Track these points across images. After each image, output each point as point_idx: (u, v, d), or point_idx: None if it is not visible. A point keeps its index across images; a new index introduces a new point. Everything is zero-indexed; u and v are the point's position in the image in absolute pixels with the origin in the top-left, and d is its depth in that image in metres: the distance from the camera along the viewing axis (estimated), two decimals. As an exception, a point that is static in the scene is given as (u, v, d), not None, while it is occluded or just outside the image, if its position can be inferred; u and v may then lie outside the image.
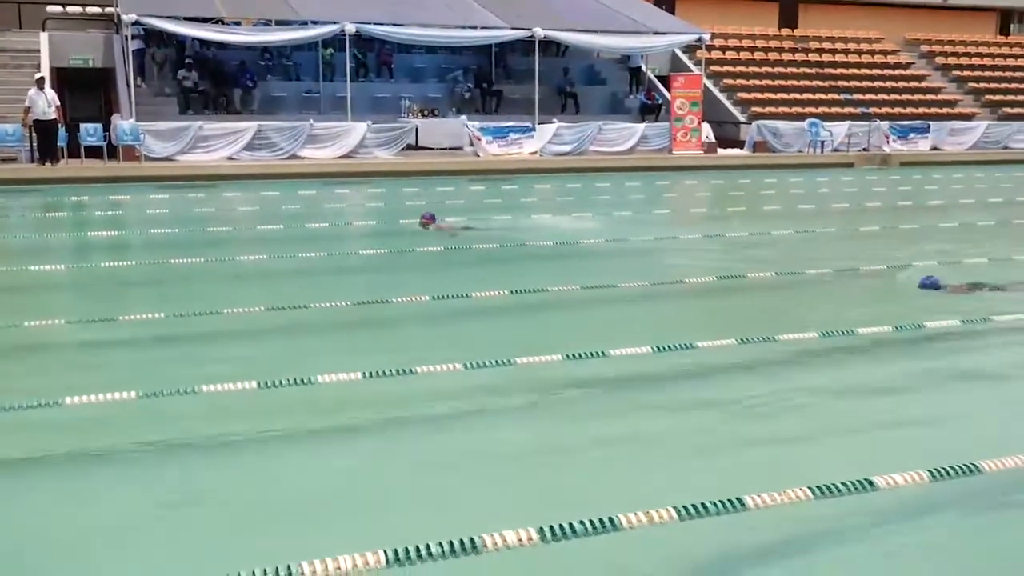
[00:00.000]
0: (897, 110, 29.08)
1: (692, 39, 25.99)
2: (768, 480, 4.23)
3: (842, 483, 4.10)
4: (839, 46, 32.39)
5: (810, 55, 31.46)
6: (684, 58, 28.50)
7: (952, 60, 33.04)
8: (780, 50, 31.49)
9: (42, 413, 5.27)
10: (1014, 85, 32.06)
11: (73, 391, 5.44)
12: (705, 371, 6.49)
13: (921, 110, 29.32)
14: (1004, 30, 37.44)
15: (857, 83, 30.40)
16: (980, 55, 33.74)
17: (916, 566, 4.02)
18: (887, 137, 26.84)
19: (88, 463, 4.89)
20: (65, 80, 22.58)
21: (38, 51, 22.59)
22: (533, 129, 23.53)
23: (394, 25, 23.08)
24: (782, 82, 29.52)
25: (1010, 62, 33.54)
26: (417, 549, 3.48)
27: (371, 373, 5.90)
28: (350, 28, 22.11)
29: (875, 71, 31.41)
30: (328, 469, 4.86)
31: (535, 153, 23.34)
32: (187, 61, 23.31)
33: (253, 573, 3.32)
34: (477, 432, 5.46)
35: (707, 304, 9.18)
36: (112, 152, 20.31)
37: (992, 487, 4.46)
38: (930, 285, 8.81)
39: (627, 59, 27.75)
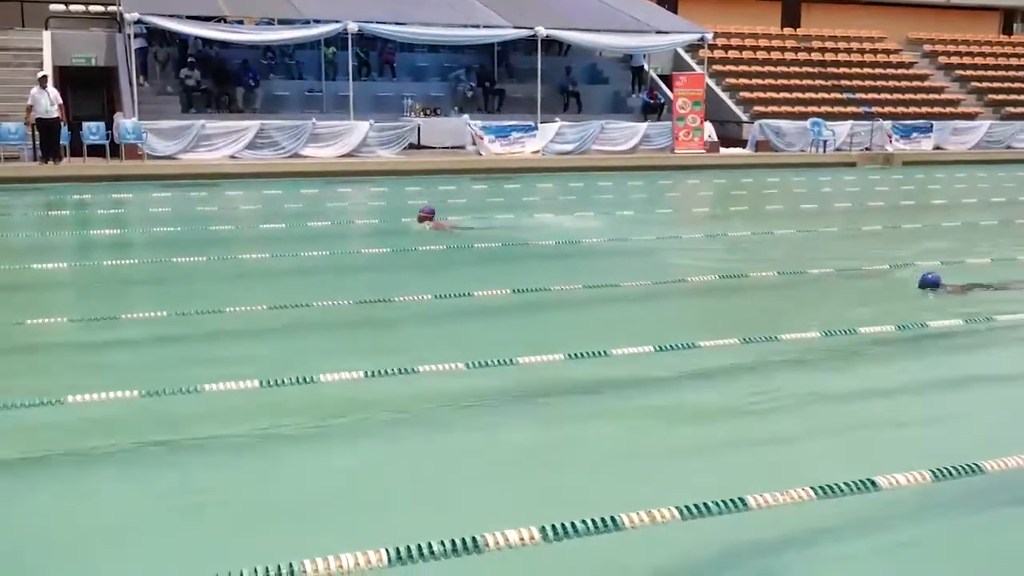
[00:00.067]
0: (900, 109, 29.04)
1: (695, 38, 25.97)
2: (770, 480, 4.23)
3: (844, 483, 4.09)
4: (842, 45, 32.36)
5: (813, 54, 31.42)
6: (687, 57, 28.47)
7: (955, 59, 33.00)
8: (783, 49, 31.46)
9: (44, 412, 5.27)
10: (1017, 85, 32.00)
11: (75, 390, 5.45)
12: (707, 371, 6.49)
13: (924, 109, 29.28)
14: (1007, 29, 37.38)
15: (860, 82, 30.37)
16: (983, 55, 33.70)
17: (918, 566, 4.01)
18: (890, 136, 26.80)
19: (89, 462, 4.89)
20: (68, 79, 22.59)
21: (41, 50, 22.61)
22: (535, 128, 23.52)
23: (396, 24, 23.08)
24: (785, 81, 29.50)
25: (1013, 61, 33.48)
26: (419, 548, 3.48)
27: (373, 372, 5.90)
28: (352, 27, 22.11)
29: (878, 70, 31.38)
30: (329, 468, 4.87)
31: (537, 152, 23.33)
32: (190, 60, 23.31)
33: (255, 571, 3.32)
34: (479, 431, 5.46)
35: (709, 304, 9.17)
36: (115, 151, 20.32)
37: (994, 487, 4.45)
38: (931, 282, 8.80)
39: (629, 58, 27.73)
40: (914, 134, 27.23)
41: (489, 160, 22.42)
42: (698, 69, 26.99)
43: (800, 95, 28.74)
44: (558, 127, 23.89)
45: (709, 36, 25.85)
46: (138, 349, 6.97)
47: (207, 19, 22.67)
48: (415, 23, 23.29)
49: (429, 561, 3.46)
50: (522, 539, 3.57)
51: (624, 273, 9.69)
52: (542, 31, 23.67)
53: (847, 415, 5.77)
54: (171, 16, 21.60)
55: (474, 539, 3.51)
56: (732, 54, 30.19)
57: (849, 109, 28.53)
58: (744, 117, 27.39)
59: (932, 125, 27.58)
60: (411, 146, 23.01)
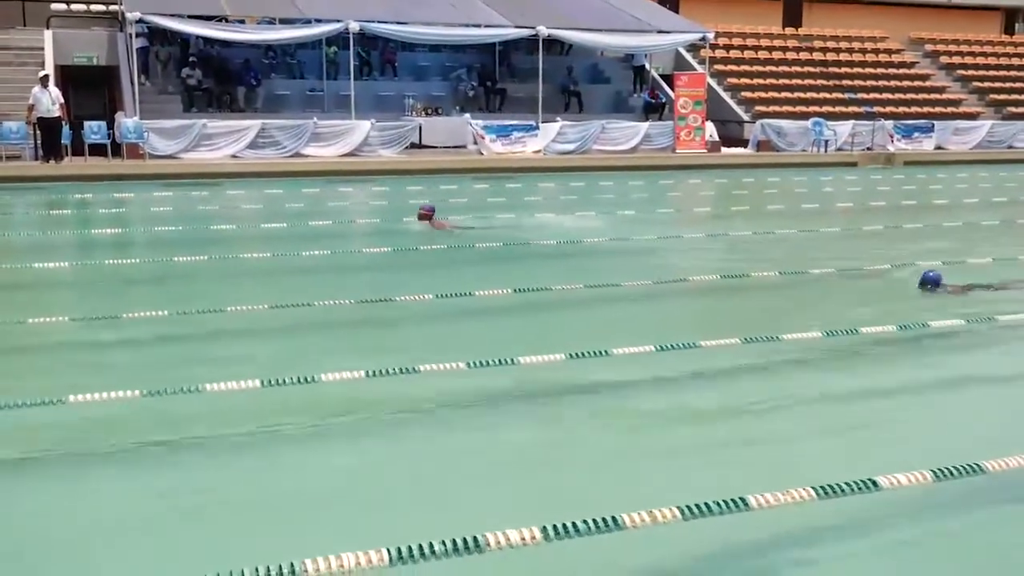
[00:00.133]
0: (901, 109, 29.03)
1: (696, 38, 25.96)
2: (771, 480, 4.23)
3: (845, 483, 4.09)
4: (843, 45, 32.34)
5: (814, 54, 31.41)
6: (688, 57, 28.46)
7: (957, 59, 32.99)
8: (784, 49, 31.44)
9: (45, 411, 5.27)
10: (1019, 84, 31.99)
11: (76, 389, 5.44)
12: (708, 370, 6.48)
13: (925, 109, 29.26)
14: (1009, 29, 37.35)
15: (861, 82, 30.36)
16: (985, 54, 33.68)
17: (920, 565, 4.01)
18: (891, 136, 26.79)
19: (89, 462, 4.89)
20: (69, 78, 22.61)
21: (42, 49, 22.63)
22: (537, 128, 23.52)
23: (398, 23, 23.09)
24: (786, 81, 29.49)
25: (1015, 61, 33.46)
26: (420, 547, 3.48)
27: (374, 372, 5.90)
28: (354, 26, 22.11)
29: (879, 70, 31.36)
30: (330, 467, 4.87)
31: (539, 152, 23.33)
32: (191, 59, 23.32)
33: (256, 570, 3.32)
34: (480, 430, 5.46)
35: (710, 303, 9.17)
36: (116, 150, 20.33)
37: (995, 487, 4.45)
38: (932, 280, 8.78)
39: (631, 58, 27.72)
40: (915, 134, 27.22)
41: (490, 160, 22.42)
42: (699, 69, 26.98)
43: (802, 95, 28.73)
44: (559, 127, 23.89)
45: (710, 36, 25.85)
46: (139, 348, 6.96)
47: (208, 18, 22.69)
48: (416, 22, 23.29)
49: (430, 560, 3.46)
50: (523, 539, 3.57)
51: (625, 273, 9.68)
52: (543, 31, 23.67)
53: (848, 415, 5.77)
54: (173, 15, 21.61)
55: (475, 539, 3.50)
56: (733, 54, 30.18)
57: (851, 109, 28.52)
58: (745, 117, 27.38)
59: (933, 125, 27.57)
60: (412, 145, 23.01)
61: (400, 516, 4.27)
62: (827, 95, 29.13)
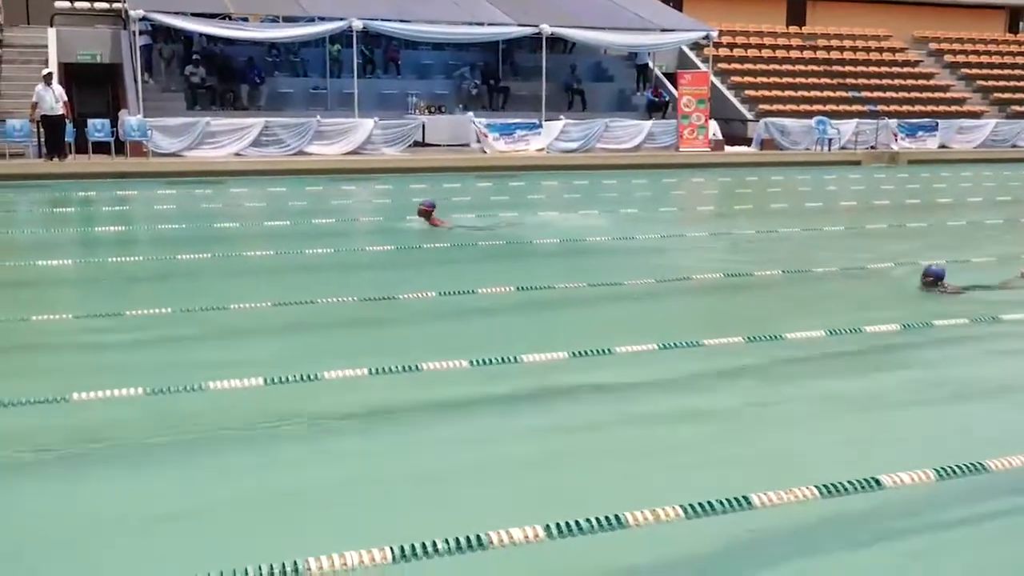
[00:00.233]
0: (905, 108, 28.99)
1: (699, 36, 25.94)
2: (774, 479, 4.23)
3: (848, 482, 4.09)
4: (847, 43, 32.29)
5: (818, 52, 31.37)
6: (691, 55, 28.43)
7: (960, 58, 32.93)
8: (788, 47, 31.41)
9: (47, 409, 5.27)
10: (1023, 83, 31.93)
11: (79, 387, 5.45)
12: (711, 369, 6.48)
13: (929, 108, 29.22)
14: (1013, 28, 37.29)
15: (865, 81, 30.31)
16: (989, 53, 33.62)
17: (922, 565, 4.01)
18: (895, 135, 26.76)
19: (91, 460, 4.89)
20: (73, 76, 22.61)
21: (46, 46, 22.64)
22: (540, 126, 23.51)
23: (401, 21, 23.09)
24: (790, 79, 29.45)
25: (1019, 60, 33.39)
26: (423, 546, 3.48)
27: (377, 370, 5.91)
28: (357, 24, 22.11)
29: (883, 69, 31.31)
30: (333, 466, 4.87)
31: (542, 150, 23.32)
32: (195, 57, 23.33)
33: (259, 569, 3.32)
34: (483, 429, 5.46)
35: (713, 302, 9.17)
36: (119, 148, 20.34)
37: (999, 486, 4.45)
38: (935, 273, 8.76)
39: (634, 56, 27.68)
40: (919, 132, 27.18)
41: (494, 158, 22.41)
42: (703, 67, 26.95)
43: (805, 93, 28.70)
44: (563, 125, 23.87)
45: (714, 34, 25.84)
46: (142, 346, 6.96)
47: (212, 16, 22.67)
48: (420, 21, 23.30)
49: (433, 559, 3.46)
50: (527, 537, 3.57)
51: (628, 271, 9.68)
52: (547, 29, 23.66)
53: (852, 414, 5.76)
54: (176, 13, 21.61)
55: (479, 537, 3.51)
56: (737, 52, 30.15)
57: (854, 107, 28.48)
58: (749, 115, 27.34)
59: (937, 124, 27.54)
60: (416, 144, 23.01)
61: (403, 514, 4.27)
62: (831, 94, 29.09)
